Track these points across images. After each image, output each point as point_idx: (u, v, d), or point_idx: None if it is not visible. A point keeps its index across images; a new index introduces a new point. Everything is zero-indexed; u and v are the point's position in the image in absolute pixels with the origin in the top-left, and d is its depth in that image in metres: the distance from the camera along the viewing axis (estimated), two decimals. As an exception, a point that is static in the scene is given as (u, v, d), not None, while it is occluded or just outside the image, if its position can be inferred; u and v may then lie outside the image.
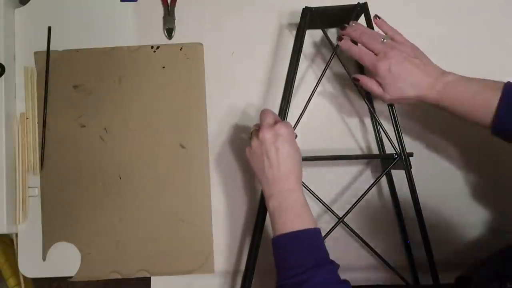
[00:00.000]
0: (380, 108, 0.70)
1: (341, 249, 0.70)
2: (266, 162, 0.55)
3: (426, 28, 0.72)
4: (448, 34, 0.72)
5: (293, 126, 0.64)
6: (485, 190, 0.70)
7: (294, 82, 0.66)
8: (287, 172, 0.54)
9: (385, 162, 0.69)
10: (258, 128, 0.58)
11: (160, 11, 0.74)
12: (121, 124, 0.72)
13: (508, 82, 0.53)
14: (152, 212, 0.71)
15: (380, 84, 0.59)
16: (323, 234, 0.63)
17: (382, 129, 0.64)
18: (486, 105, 0.53)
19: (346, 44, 0.61)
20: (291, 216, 0.53)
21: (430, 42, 0.72)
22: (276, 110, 0.72)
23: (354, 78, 0.63)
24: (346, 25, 0.61)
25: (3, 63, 0.70)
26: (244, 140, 0.72)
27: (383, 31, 0.61)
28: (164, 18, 0.74)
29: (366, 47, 0.59)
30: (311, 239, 0.52)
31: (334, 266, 0.52)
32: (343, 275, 0.71)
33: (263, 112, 0.59)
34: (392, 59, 0.57)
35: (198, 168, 0.71)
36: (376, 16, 0.62)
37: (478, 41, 0.72)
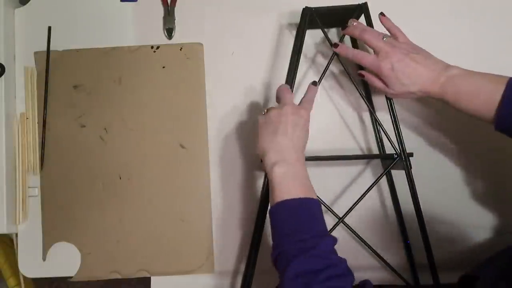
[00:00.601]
0: (380, 108, 0.70)
1: (341, 249, 0.70)
2: (281, 129, 0.55)
3: (426, 28, 0.72)
4: (448, 34, 0.72)
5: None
6: (485, 190, 0.70)
7: (294, 82, 0.66)
8: (296, 148, 0.55)
9: (385, 162, 0.69)
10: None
11: (160, 11, 0.74)
12: (121, 124, 0.72)
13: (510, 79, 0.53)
14: (152, 212, 0.71)
15: (383, 81, 0.60)
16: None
17: (382, 129, 0.64)
18: (490, 99, 0.53)
19: (342, 49, 0.62)
20: (297, 184, 0.52)
21: (430, 42, 0.72)
22: (276, 110, 0.72)
23: (359, 74, 0.63)
24: (347, 24, 0.62)
25: (3, 63, 0.70)
26: (246, 135, 0.72)
27: (386, 28, 0.61)
28: (164, 18, 0.74)
29: (368, 45, 0.60)
30: (316, 209, 0.52)
31: (335, 239, 0.52)
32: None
33: (284, 90, 0.59)
34: (393, 57, 0.57)
35: (198, 168, 0.71)
36: (381, 13, 0.62)
37: (479, 40, 0.72)
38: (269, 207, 0.54)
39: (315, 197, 0.53)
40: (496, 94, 0.52)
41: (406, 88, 0.58)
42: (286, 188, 0.52)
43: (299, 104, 0.58)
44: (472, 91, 0.55)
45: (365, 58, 0.60)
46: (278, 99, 0.60)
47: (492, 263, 0.52)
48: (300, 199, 0.51)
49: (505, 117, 0.53)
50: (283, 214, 0.51)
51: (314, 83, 0.61)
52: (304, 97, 0.60)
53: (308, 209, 0.51)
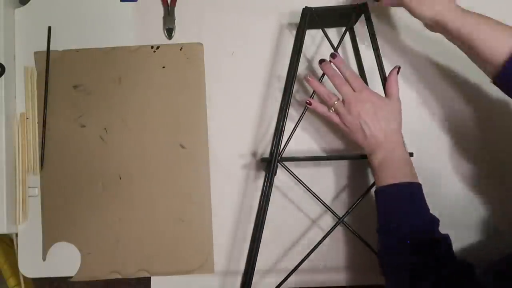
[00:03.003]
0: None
1: (341, 249, 0.70)
2: (366, 131, 0.57)
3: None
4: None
5: (293, 126, 0.64)
6: (485, 190, 0.70)
7: (294, 82, 0.66)
8: (385, 134, 0.57)
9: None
10: (339, 101, 0.59)
11: (160, 11, 0.74)
12: (121, 124, 0.72)
13: None
14: (152, 212, 0.71)
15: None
16: (323, 234, 0.63)
17: (382, 129, 0.64)
18: (501, 48, 0.52)
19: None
20: (390, 171, 0.56)
21: (430, 42, 0.72)
22: (276, 110, 0.72)
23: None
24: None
25: (3, 63, 0.70)
26: (247, 138, 0.72)
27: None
28: (164, 18, 0.74)
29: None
30: (405, 193, 0.55)
31: (434, 221, 0.54)
32: (342, 275, 0.71)
33: (340, 86, 0.59)
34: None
35: (198, 168, 0.71)
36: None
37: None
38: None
39: (410, 179, 0.55)
40: (509, 41, 0.51)
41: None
42: (382, 175, 0.57)
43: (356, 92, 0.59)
44: (491, 26, 0.53)
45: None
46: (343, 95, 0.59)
47: (491, 268, 0.53)
48: (394, 185, 0.55)
49: (509, 71, 0.52)
50: (379, 200, 0.57)
51: (332, 55, 0.60)
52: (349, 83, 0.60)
53: (401, 194, 0.55)
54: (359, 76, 0.59)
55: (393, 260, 0.54)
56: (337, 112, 0.59)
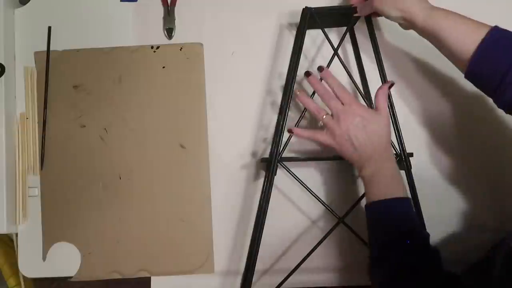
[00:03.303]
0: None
1: (341, 249, 0.70)
2: (355, 144, 0.56)
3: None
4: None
5: (294, 126, 0.64)
6: (485, 190, 0.70)
7: (294, 82, 0.66)
8: (375, 148, 0.56)
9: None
10: (328, 115, 0.58)
11: (160, 11, 0.74)
12: (121, 124, 0.72)
13: (496, 26, 0.53)
14: (152, 212, 0.71)
15: None
16: (323, 234, 0.63)
17: (382, 129, 0.64)
18: (468, 42, 0.53)
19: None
20: (380, 187, 0.56)
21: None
22: (276, 110, 0.72)
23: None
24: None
25: (3, 63, 0.70)
26: (246, 138, 0.72)
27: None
28: (164, 18, 0.74)
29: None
30: (395, 209, 0.55)
31: (424, 236, 0.54)
32: (342, 275, 0.71)
33: (328, 99, 0.59)
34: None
35: (198, 168, 0.71)
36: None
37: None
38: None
39: (399, 195, 0.55)
40: (480, 31, 0.52)
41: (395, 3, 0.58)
42: (371, 191, 0.56)
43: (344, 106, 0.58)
44: (458, 21, 0.54)
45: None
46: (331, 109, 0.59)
47: (467, 273, 0.53)
48: (382, 201, 0.55)
49: (476, 64, 0.53)
50: (369, 216, 0.57)
51: (319, 68, 0.60)
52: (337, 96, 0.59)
53: (389, 210, 0.55)
54: (347, 89, 0.59)
55: (382, 274, 0.54)
56: (326, 126, 0.59)
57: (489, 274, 0.46)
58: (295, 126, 0.64)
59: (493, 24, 0.53)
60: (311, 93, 0.63)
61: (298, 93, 0.61)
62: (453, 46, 0.54)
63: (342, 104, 0.58)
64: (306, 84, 0.72)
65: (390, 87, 0.60)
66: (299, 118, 0.64)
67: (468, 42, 0.53)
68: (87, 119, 0.72)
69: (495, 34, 0.52)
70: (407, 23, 0.59)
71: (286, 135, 0.64)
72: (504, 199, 0.70)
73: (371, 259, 0.56)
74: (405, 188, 0.57)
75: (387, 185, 0.56)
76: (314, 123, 0.71)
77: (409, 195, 0.58)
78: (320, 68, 0.60)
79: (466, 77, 0.56)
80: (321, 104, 0.60)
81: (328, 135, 0.58)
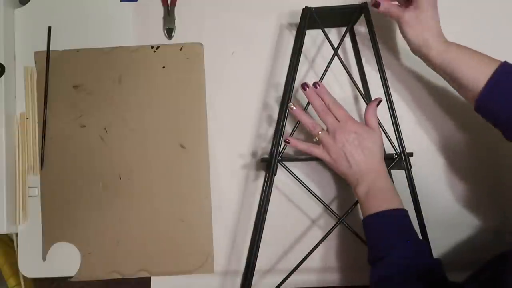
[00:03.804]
0: (380, 108, 0.70)
1: (341, 249, 0.70)
2: (350, 161, 0.57)
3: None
4: (449, 33, 0.72)
5: (293, 127, 0.64)
6: (485, 190, 0.70)
7: (294, 82, 0.66)
8: (369, 164, 0.57)
9: (385, 162, 0.69)
10: (323, 131, 0.59)
11: (160, 11, 0.74)
12: (121, 124, 0.72)
13: (505, 62, 0.54)
14: (152, 212, 0.71)
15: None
16: (323, 234, 0.63)
17: (382, 129, 0.64)
18: (482, 75, 0.54)
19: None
20: (376, 200, 0.56)
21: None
22: (276, 110, 0.72)
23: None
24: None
25: (3, 63, 0.70)
26: (247, 142, 0.72)
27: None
28: (164, 18, 0.74)
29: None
30: (392, 219, 0.56)
31: (420, 244, 0.55)
32: (342, 275, 0.71)
33: (323, 115, 0.59)
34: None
35: (198, 168, 0.71)
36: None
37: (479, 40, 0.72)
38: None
39: (395, 206, 0.56)
40: (488, 70, 0.53)
41: (428, 23, 0.58)
42: (368, 205, 0.57)
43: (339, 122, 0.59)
44: (472, 59, 0.55)
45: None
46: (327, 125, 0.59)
47: (475, 279, 0.52)
48: (380, 213, 0.55)
49: (485, 99, 0.54)
50: (366, 230, 0.57)
51: (314, 85, 0.60)
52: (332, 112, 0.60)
53: (386, 221, 0.56)
54: (342, 105, 0.60)
55: (384, 283, 0.53)
56: (321, 142, 0.59)
57: (500, 283, 0.46)
58: (294, 127, 0.64)
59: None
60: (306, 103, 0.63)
61: (293, 107, 0.61)
62: (464, 80, 0.55)
63: (338, 121, 0.59)
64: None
65: (378, 104, 0.61)
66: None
67: (478, 76, 0.54)
68: (87, 119, 0.72)
69: (505, 68, 0.53)
70: (420, 52, 0.59)
71: (286, 135, 0.64)
72: (504, 200, 0.70)
73: (372, 274, 0.55)
74: (401, 202, 0.57)
75: (383, 198, 0.56)
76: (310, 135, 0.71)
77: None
78: (315, 84, 0.60)
79: (475, 110, 0.56)
80: (316, 119, 0.61)
81: (323, 151, 0.59)
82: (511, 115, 0.53)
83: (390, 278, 0.52)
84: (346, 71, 0.65)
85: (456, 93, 0.70)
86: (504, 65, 0.53)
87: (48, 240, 0.71)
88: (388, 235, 0.55)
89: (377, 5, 0.61)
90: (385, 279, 0.53)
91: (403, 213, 0.56)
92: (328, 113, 0.59)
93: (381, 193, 0.57)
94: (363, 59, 0.72)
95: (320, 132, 0.59)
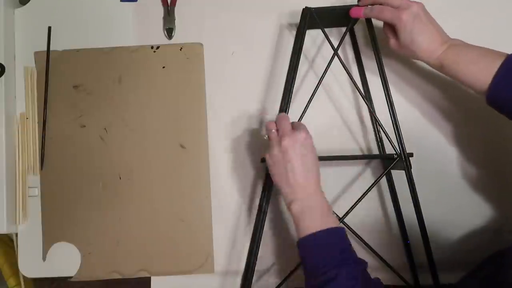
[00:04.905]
0: (380, 108, 0.70)
1: (341, 249, 0.70)
2: (288, 169, 0.55)
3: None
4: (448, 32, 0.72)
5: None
6: (485, 190, 0.70)
7: (294, 82, 0.66)
8: (308, 177, 0.55)
9: (385, 162, 0.69)
10: (275, 131, 0.58)
11: (160, 11, 0.74)
12: (121, 124, 0.72)
13: (510, 54, 0.54)
14: (152, 212, 0.71)
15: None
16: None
17: (382, 129, 0.64)
18: (487, 69, 0.54)
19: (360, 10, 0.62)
20: (312, 218, 0.54)
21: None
22: (276, 110, 0.72)
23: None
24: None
25: (3, 63, 0.70)
26: (249, 143, 0.72)
27: None
28: (164, 18, 0.74)
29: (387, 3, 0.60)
30: (333, 238, 0.53)
31: (361, 263, 0.53)
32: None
33: (281, 118, 0.59)
34: (415, 9, 0.58)
35: (198, 168, 0.71)
36: None
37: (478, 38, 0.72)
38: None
39: (332, 225, 0.54)
40: (493, 65, 0.53)
41: (413, 43, 0.59)
42: (305, 224, 0.54)
43: (292, 128, 0.58)
44: (472, 58, 0.56)
45: (386, 10, 0.59)
46: (277, 129, 0.59)
47: (474, 276, 0.52)
48: (315, 233, 0.53)
49: (497, 90, 0.53)
50: (304, 251, 0.54)
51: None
52: (293, 122, 0.59)
53: (324, 242, 0.53)
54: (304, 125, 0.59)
55: None
56: (269, 140, 0.58)
57: (496, 281, 0.45)
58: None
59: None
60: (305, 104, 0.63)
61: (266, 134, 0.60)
62: (468, 80, 0.56)
63: (293, 129, 0.57)
64: (305, 84, 0.72)
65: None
66: (299, 118, 0.64)
67: (483, 74, 0.54)
68: (87, 119, 0.72)
69: (509, 63, 0.53)
70: (422, 55, 0.60)
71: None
72: (504, 199, 0.70)
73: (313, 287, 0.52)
74: (336, 220, 0.56)
75: (319, 217, 0.54)
76: (314, 124, 0.71)
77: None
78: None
79: (488, 104, 0.56)
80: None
81: (268, 150, 0.58)
82: None
83: None
84: (346, 71, 0.65)
85: (456, 93, 0.71)
86: (509, 58, 0.53)
87: (48, 240, 0.71)
88: (331, 256, 0.52)
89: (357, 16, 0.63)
90: None
91: (342, 231, 0.54)
92: (286, 120, 0.58)
93: (317, 211, 0.54)
94: (363, 59, 0.72)
95: (273, 131, 0.58)
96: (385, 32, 0.63)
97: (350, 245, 0.54)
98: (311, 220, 0.54)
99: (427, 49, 0.58)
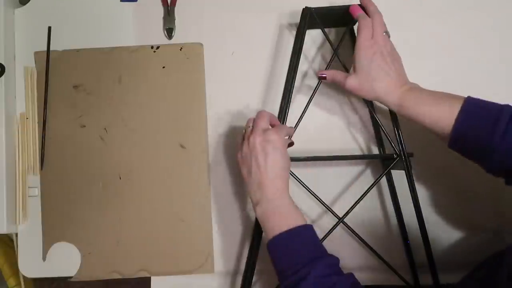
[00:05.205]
0: (380, 108, 0.70)
1: (341, 249, 0.70)
2: (254, 167, 0.55)
3: (426, 28, 0.72)
4: (448, 33, 0.72)
5: (294, 126, 0.64)
6: (485, 190, 0.70)
7: (294, 82, 0.66)
8: (273, 178, 0.55)
9: (385, 162, 0.69)
10: (251, 128, 0.58)
11: (160, 11, 0.74)
12: (121, 124, 0.72)
13: (469, 97, 0.53)
14: (152, 212, 0.71)
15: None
16: (323, 234, 0.63)
17: (382, 129, 0.64)
18: (445, 117, 0.53)
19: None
20: (278, 219, 0.53)
21: (430, 41, 0.72)
22: (276, 110, 0.72)
23: (320, 77, 0.63)
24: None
25: (3, 63, 0.70)
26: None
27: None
28: (164, 18, 0.74)
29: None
30: (301, 237, 0.53)
31: (332, 259, 0.52)
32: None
33: (258, 116, 0.59)
34: (379, 47, 0.58)
35: (198, 168, 0.71)
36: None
37: (478, 38, 0.72)
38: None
39: (300, 223, 0.53)
40: (453, 109, 0.52)
41: (370, 82, 0.58)
42: (271, 225, 0.53)
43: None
44: (431, 101, 0.55)
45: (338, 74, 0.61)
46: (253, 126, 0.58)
47: (472, 277, 0.52)
48: (281, 234, 0.52)
49: (458, 135, 0.52)
50: (273, 253, 0.53)
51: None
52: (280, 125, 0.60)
53: (291, 242, 0.52)
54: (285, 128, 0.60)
55: None
56: (244, 135, 0.59)
57: (494, 281, 0.45)
58: (295, 126, 0.64)
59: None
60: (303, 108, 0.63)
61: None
62: (431, 128, 0.55)
63: (271, 127, 0.58)
64: (305, 84, 0.72)
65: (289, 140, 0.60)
66: (299, 118, 0.64)
67: (443, 126, 0.53)
68: (87, 119, 0.72)
69: (470, 106, 0.52)
70: (379, 94, 0.59)
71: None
72: (504, 200, 0.70)
73: None
74: (303, 218, 0.55)
75: (286, 216, 0.54)
76: (314, 124, 0.71)
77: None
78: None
79: (449, 147, 0.55)
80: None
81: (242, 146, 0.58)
82: (485, 153, 0.51)
83: None
84: (346, 71, 0.65)
85: (456, 93, 0.71)
86: (468, 102, 0.52)
87: (48, 240, 0.71)
88: (300, 254, 0.51)
89: (322, 78, 0.63)
90: None
91: (309, 228, 0.54)
92: (264, 118, 0.58)
93: (284, 210, 0.54)
94: (363, 59, 0.71)
95: (250, 126, 0.58)
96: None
97: (319, 241, 0.54)
98: (276, 221, 0.53)
99: (384, 88, 0.58)
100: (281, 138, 0.56)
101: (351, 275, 0.52)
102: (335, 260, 0.52)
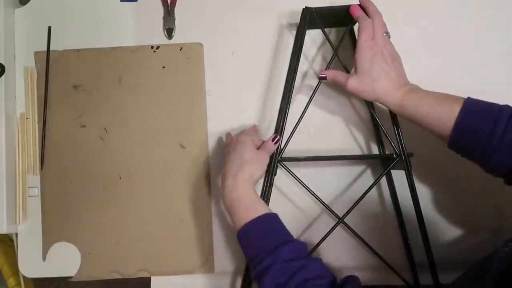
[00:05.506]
0: (380, 108, 0.70)
1: (341, 249, 0.70)
2: (224, 164, 0.61)
3: (426, 27, 0.72)
4: (448, 33, 0.72)
5: (293, 126, 0.64)
6: (485, 190, 0.70)
7: (294, 82, 0.66)
8: (237, 173, 0.58)
9: (385, 162, 0.69)
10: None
11: (160, 11, 0.74)
12: (121, 124, 0.72)
13: (469, 98, 0.53)
14: (152, 212, 0.71)
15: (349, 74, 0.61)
16: (322, 234, 0.63)
17: (382, 129, 0.64)
18: (445, 117, 0.53)
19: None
20: (241, 210, 0.56)
21: (429, 41, 0.72)
22: (276, 110, 0.72)
23: (321, 77, 0.64)
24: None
25: (3, 63, 0.70)
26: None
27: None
28: (164, 18, 0.74)
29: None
30: (266, 224, 0.55)
31: (300, 243, 0.54)
32: (342, 275, 0.71)
33: (245, 130, 0.66)
34: (379, 49, 0.58)
35: (198, 168, 0.71)
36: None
37: (478, 38, 0.72)
38: None
39: (262, 212, 0.55)
40: (453, 109, 0.52)
41: (371, 83, 0.58)
42: (236, 217, 0.56)
43: None
44: (431, 102, 0.55)
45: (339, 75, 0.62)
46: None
47: (465, 275, 0.52)
48: (246, 224, 0.54)
49: (459, 135, 0.52)
50: (241, 243, 0.56)
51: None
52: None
53: (256, 230, 0.55)
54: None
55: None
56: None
57: (483, 280, 0.46)
58: (295, 126, 0.64)
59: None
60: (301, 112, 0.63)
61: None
62: (430, 128, 0.56)
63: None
64: (305, 84, 0.72)
65: (276, 142, 0.63)
66: (300, 118, 0.64)
67: (443, 126, 0.54)
68: (87, 119, 0.72)
69: (470, 106, 0.52)
70: (380, 95, 0.59)
71: (286, 135, 0.64)
72: (504, 199, 0.70)
73: (254, 279, 0.54)
74: (268, 207, 0.57)
75: (251, 205, 0.56)
76: (314, 124, 0.71)
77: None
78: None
79: (449, 147, 0.56)
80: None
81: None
82: (484, 153, 0.51)
83: (287, 283, 0.49)
84: (346, 71, 0.65)
85: (457, 93, 0.71)
86: (467, 103, 0.52)
87: (48, 240, 0.71)
88: (264, 243, 0.53)
89: (323, 79, 0.64)
90: (282, 285, 0.49)
91: (273, 216, 0.56)
92: (247, 132, 0.65)
93: (248, 199, 0.57)
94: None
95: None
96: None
97: (283, 228, 0.55)
98: (245, 210, 0.56)
99: (388, 89, 0.58)
100: (247, 138, 0.61)
101: (319, 259, 0.53)
102: (302, 244, 0.54)
